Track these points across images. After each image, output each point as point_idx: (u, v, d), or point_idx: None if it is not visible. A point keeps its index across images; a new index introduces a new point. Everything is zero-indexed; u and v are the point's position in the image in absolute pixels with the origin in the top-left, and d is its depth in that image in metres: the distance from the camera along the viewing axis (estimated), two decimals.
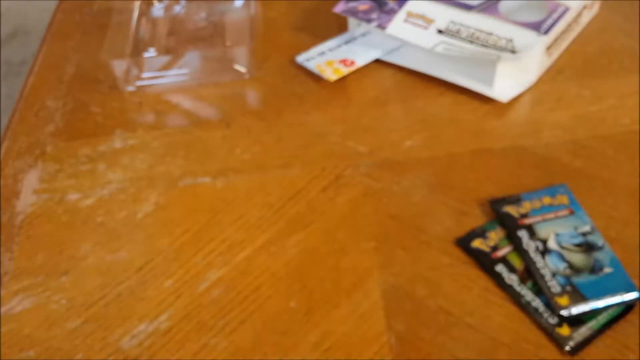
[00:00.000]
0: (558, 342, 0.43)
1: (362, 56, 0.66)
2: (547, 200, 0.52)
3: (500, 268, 0.48)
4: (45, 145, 0.62)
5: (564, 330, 0.44)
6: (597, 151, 0.55)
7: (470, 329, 0.45)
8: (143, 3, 0.73)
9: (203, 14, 0.73)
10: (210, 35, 0.70)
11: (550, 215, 0.51)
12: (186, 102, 0.65)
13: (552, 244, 0.49)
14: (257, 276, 0.49)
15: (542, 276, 0.47)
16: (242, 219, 0.53)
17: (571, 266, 0.47)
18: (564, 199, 0.52)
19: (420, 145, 0.58)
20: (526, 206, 0.51)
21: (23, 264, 0.52)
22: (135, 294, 0.49)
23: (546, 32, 0.61)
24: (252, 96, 0.66)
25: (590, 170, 0.54)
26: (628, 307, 0.45)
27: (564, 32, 0.64)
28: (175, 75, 0.67)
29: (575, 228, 0.50)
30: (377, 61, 0.66)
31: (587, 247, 0.48)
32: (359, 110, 0.62)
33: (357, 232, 0.51)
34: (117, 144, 0.61)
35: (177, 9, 0.74)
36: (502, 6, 0.65)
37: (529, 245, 0.49)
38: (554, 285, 0.46)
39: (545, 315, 0.45)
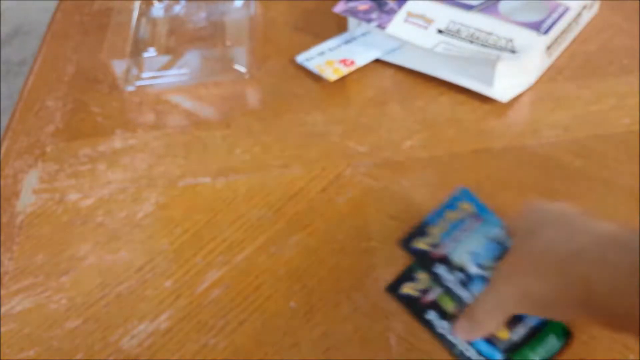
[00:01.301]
0: None
1: (362, 56, 0.66)
2: (451, 215, 0.46)
3: (431, 315, 0.43)
4: (45, 145, 0.62)
5: None
6: (597, 151, 0.55)
7: None
8: (143, 3, 0.73)
9: (203, 14, 0.73)
10: (210, 35, 0.70)
11: (459, 234, 0.45)
12: (186, 102, 0.65)
13: (471, 268, 0.44)
14: (257, 276, 0.49)
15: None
16: (242, 219, 0.53)
17: None
18: (467, 207, 0.47)
19: (420, 145, 0.58)
20: (434, 233, 0.46)
21: (23, 264, 0.52)
22: (135, 294, 0.49)
23: (546, 32, 0.61)
24: (252, 96, 0.66)
25: (590, 170, 0.54)
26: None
27: (564, 32, 0.64)
28: (175, 75, 0.67)
29: (488, 237, 0.44)
30: (377, 61, 0.66)
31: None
32: (359, 110, 0.62)
33: (357, 232, 0.51)
34: (117, 144, 0.61)
35: (177, 9, 0.74)
36: (502, 6, 0.65)
37: (449, 280, 0.44)
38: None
39: None
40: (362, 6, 0.67)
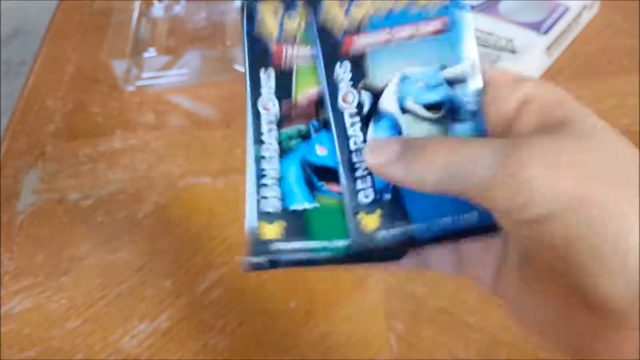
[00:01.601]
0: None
1: None
2: None
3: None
4: (45, 145, 0.62)
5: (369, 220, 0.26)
6: None
7: (470, 328, 0.45)
8: (143, 3, 0.73)
9: (203, 14, 0.73)
10: (210, 35, 0.70)
11: (402, 33, 0.26)
12: (186, 102, 0.65)
13: (388, 98, 0.26)
14: (257, 276, 0.49)
15: (351, 167, 0.26)
16: (242, 219, 0.53)
17: None
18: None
19: None
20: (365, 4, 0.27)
21: (23, 264, 0.52)
22: (135, 294, 0.49)
23: (546, 32, 0.61)
24: None
25: None
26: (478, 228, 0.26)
27: (564, 32, 0.64)
28: (175, 75, 0.67)
29: (442, 66, 0.26)
30: None
31: (447, 113, 0.26)
32: None
33: None
34: (117, 144, 0.61)
35: (177, 9, 0.74)
36: (502, 6, 0.65)
37: (346, 95, 0.27)
38: (365, 188, 0.26)
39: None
40: None
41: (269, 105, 0.28)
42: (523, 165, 0.22)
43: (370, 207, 0.26)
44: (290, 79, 0.27)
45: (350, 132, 0.27)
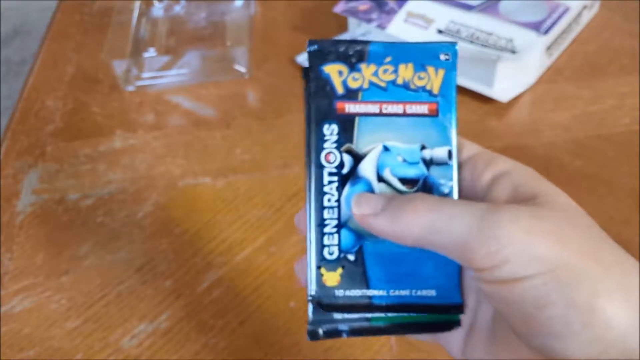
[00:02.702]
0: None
1: None
2: (405, 72, 0.29)
3: None
4: (45, 145, 0.62)
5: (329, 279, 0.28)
6: (597, 151, 0.55)
7: None
8: (143, 3, 0.73)
9: (203, 14, 0.73)
10: (210, 35, 0.70)
11: (392, 109, 0.28)
12: (186, 102, 0.65)
13: (368, 164, 0.28)
14: (257, 276, 0.49)
15: (321, 222, 0.28)
16: (242, 219, 0.53)
17: None
18: (435, 78, 0.29)
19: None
20: (366, 71, 0.29)
21: (23, 264, 0.52)
22: (135, 294, 0.49)
23: (546, 32, 0.61)
24: (252, 96, 0.66)
25: (590, 170, 0.54)
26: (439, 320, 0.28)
27: (564, 32, 0.64)
28: (175, 75, 0.67)
29: (423, 147, 0.28)
30: None
31: (420, 190, 0.28)
32: None
33: None
34: (117, 144, 0.61)
35: (177, 9, 0.74)
36: (502, 6, 0.65)
37: (328, 155, 0.29)
38: (331, 244, 0.28)
39: None
40: (362, 6, 0.67)
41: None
42: (501, 227, 0.23)
43: (332, 264, 0.28)
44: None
45: (326, 189, 0.29)
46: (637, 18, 0.68)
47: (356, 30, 0.69)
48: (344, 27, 0.70)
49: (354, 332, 0.28)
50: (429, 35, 0.64)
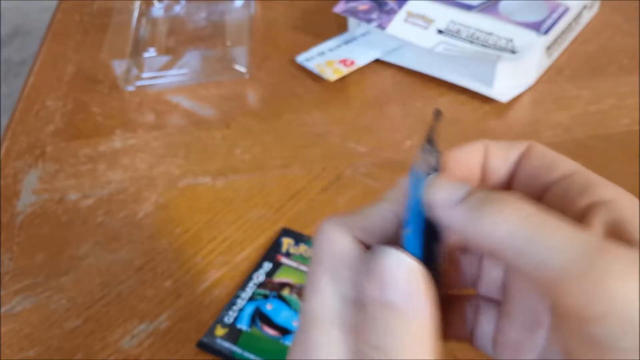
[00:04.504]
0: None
1: (362, 56, 0.66)
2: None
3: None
4: (45, 145, 0.62)
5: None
6: (597, 151, 0.55)
7: None
8: (143, 3, 0.73)
9: (203, 14, 0.73)
10: (210, 35, 0.70)
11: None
12: (186, 102, 0.65)
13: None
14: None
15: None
16: (242, 219, 0.53)
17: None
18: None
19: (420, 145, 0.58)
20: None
21: (23, 264, 0.52)
22: (135, 294, 0.49)
23: (546, 32, 0.61)
24: (252, 96, 0.66)
25: (590, 170, 0.54)
26: None
27: (564, 32, 0.64)
28: (175, 75, 0.67)
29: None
30: (377, 61, 0.66)
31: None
32: (359, 111, 0.62)
33: None
34: (117, 144, 0.61)
35: (177, 9, 0.74)
36: (502, 6, 0.65)
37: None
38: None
39: None
40: (362, 6, 0.67)
41: None
42: (612, 276, 0.19)
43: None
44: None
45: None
46: (637, 18, 0.68)
47: (356, 30, 0.69)
48: (344, 27, 0.70)
49: None
50: (429, 35, 0.64)
